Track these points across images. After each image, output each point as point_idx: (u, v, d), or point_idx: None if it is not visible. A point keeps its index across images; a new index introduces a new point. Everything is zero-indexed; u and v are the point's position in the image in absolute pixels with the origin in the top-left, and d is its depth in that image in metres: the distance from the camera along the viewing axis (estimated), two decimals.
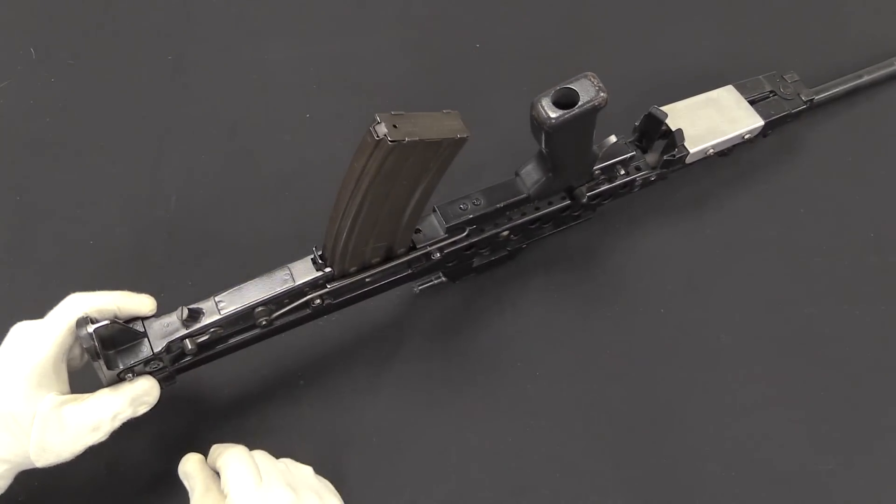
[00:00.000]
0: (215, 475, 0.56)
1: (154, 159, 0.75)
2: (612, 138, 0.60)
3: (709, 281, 0.72)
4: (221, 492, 0.54)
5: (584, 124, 0.55)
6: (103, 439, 0.52)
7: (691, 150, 0.67)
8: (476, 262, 0.67)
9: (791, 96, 0.72)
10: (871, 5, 0.84)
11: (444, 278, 0.68)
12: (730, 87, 0.71)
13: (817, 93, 0.74)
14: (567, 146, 0.57)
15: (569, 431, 0.66)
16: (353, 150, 0.69)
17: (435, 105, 0.76)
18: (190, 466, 0.57)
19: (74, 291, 0.69)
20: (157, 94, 0.78)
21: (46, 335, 0.52)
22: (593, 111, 0.53)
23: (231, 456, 0.55)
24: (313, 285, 0.57)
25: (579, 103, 0.52)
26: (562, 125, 0.52)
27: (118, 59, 0.79)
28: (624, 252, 0.72)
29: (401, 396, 0.67)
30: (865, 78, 0.76)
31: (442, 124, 0.52)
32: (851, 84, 0.76)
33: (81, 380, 0.55)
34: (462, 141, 0.53)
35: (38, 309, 0.69)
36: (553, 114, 0.52)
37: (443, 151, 0.52)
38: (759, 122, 0.69)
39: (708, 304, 0.71)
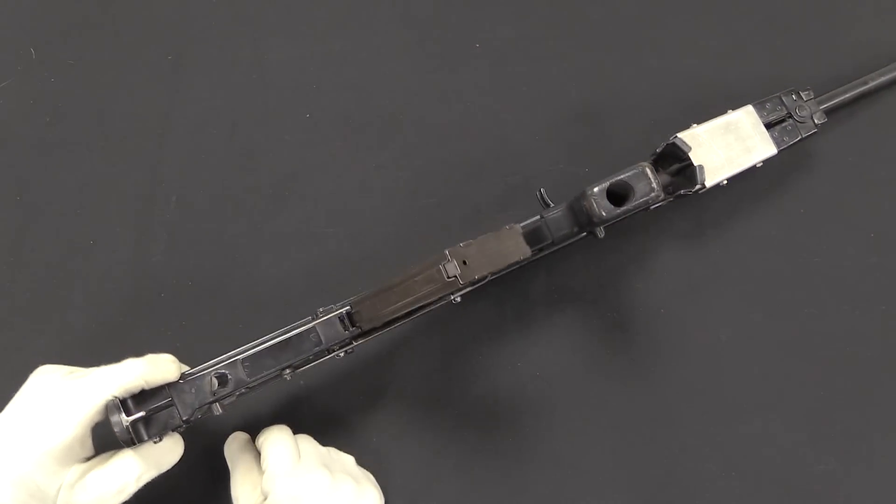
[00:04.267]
0: (259, 456, 0.58)
1: (154, 159, 0.75)
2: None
3: (709, 281, 0.72)
4: (262, 471, 0.56)
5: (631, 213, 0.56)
6: (127, 498, 0.53)
7: (707, 185, 0.65)
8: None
9: (804, 119, 0.71)
10: (874, 7, 0.84)
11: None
12: (749, 109, 0.69)
13: (829, 108, 0.73)
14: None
15: (568, 431, 0.66)
16: (353, 149, 0.70)
17: (434, 105, 0.77)
18: (235, 446, 0.59)
19: (74, 291, 0.70)
20: (157, 94, 0.78)
21: (74, 416, 0.52)
22: (644, 207, 0.55)
23: (273, 435, 0.57)
24: (340, 343, 0.58)
25: (632, 201, 0.54)
26: (612, 219, 0.55)
27: (118, 58, 0.79)
28: (624, 252, 0.72)
29: (400, 396, 0.67)
30: (871, 84, 0.75)
31: (505, 247, 0.53)
32: (858, 91, 0.75)
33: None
34: (523, 262, 0.55)
35: (37, 309, 0.70)
36: (605, 213, 0.54)
37: None
38: (773, 152, 0.69)
39: (708, 304, 0.71)
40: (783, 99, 0.71)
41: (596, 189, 0.55)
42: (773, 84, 0.73)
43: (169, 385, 0.55)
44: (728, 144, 0.68)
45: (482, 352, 0.68)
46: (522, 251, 0.53)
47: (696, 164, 0.62)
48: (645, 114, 0.75)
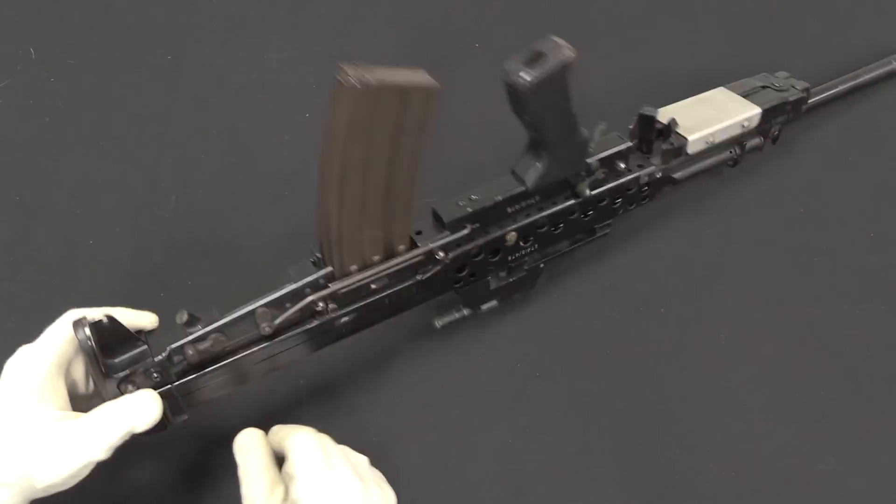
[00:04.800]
0: (273, 455, 0.55)
1: (154, 159, 0.75)
2: (603, 124, 0.60)
3: (709, 281, 0.72)
4: (278, 472, 0.54)
5: (561, 86, 0.54)
6: (104, 457, 0.50)
7: (690, 138, 0.66)
8: (493, 283, 0.65)
9: (785, 88, 0.71)
10: (864, 5, 0.84)
11: (465, 311, 0.65)
12: (721, 89, 0.71)
13: (818, 102, 0.73)
14: (549, 116, 0.56)
15: (568, 432, 0.66)
16: None
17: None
18: (249, 442, 0.55)
19: (74, 291, 0.70)
20: (157, 94, 0.78)
21: (43, 349, 0.51)
22: (565, 68, 0.53)
23: (302, 437, 0.54)
24: (314, 286, 0.56)
25: (551, 61, 0.52)
26: (538, 86, 0.52)
27: (118, 58, 0.79)
28: (624, 252, 0.72)
29: (400, 396, 0.67)
30: (864, 77, 0.76)
31: (409, 76, 0.51)
32: (850, 84, 0.75)
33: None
34: (433, 92, 0.52)
35: (37, 309, 0.69)
36: (528, 76, 0.52)
37: (415, 105, 0.51)
38: (757, 109, 0.69)
39: (708, 304, 0.71)
40: (756, 80, 0.72)
41: (511, 62, 0.53)
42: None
43: (145, 333, 0.54)
44: (703, 111, 0.69)
45: (482, 352, 0.68)
46: (429, 81, 0.50)
47: (666, 122, 0.64)
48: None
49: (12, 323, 0.70)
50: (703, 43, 0.80)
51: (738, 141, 0.70)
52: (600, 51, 0.80)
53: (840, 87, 0.75)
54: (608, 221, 0.68)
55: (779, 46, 0.81)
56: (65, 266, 0.71)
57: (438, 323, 0.65)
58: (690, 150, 0.68)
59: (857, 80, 0.76)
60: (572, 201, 0.64)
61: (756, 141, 0.72)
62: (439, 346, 0.69)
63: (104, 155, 0.75)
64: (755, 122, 0.70)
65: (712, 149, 0.69)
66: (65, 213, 0.73)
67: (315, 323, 0.57)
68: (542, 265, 0.67)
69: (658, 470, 0.65)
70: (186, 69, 0.79)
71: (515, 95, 0.54)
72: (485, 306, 0.66)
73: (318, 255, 0.56)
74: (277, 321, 0.55)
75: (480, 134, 0.76)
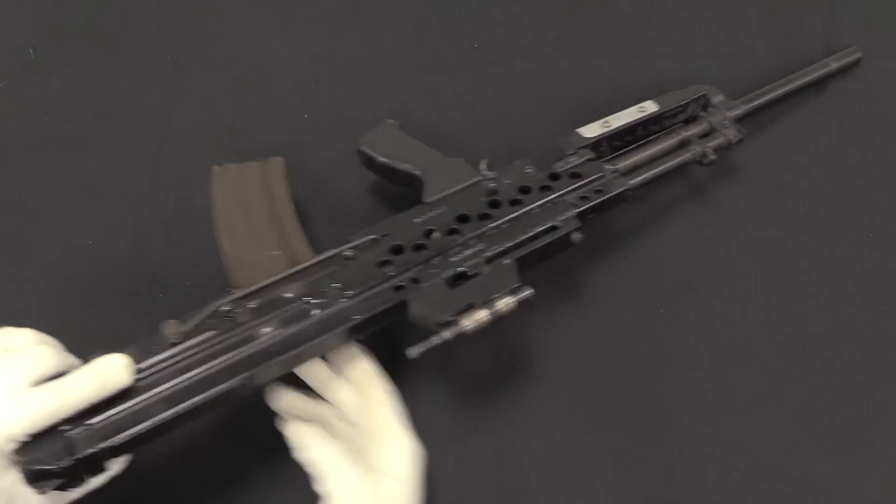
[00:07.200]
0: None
1: (153, 159, 0.75)
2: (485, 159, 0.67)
3: (709, 281, 0.72)
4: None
5: (396, 135, 0.69)
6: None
7: (580, 129, 0.69)
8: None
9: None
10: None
11: (444, 334, 0.58)
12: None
13: (751, 109, 0.74)
14: (405, 152, 0.68)
15: (568, 432, 0.66)
16: (351, 150, 0.70)
17: (433, 105, 0.77)
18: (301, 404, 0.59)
19: (74, 291, 0.70)
20: (156, 94, 0.78)
21: None
22: (387, 126, 0.68)
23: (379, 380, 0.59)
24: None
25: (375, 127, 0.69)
26: (370, 139, 0.68)
27: (118, 59, 0.79)
28: (623, 252, 0.72)
29: (400, 397, 0.67)
30: (798, 81, 0.76)
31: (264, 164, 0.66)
32: (783, 89, 0.75)
33: None
34: (279, 164, 0.66)
35: (37, 309, 0.70)
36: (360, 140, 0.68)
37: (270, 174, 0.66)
38: (651, 100, 0.71)
39: (708, 304, 0.71)
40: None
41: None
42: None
43: None
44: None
45: (481, 353, 0.68)
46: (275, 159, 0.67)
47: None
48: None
49: (12, 323, 0.70)
50: (701, 46, 0.80)
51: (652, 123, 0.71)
52: (602, 51, 0.80)
53: (773, 94, 0.75)
54: (566, 216, 0.63)
55: (787, 51, 0.81)
56: (65, 266, 0.71)
57: (416, 353, 0.58)
58: (587, 134, 0.69)
59: (791, 85, 0.76)
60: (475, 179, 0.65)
61: (727, 137, 0.71)
62: (438, 349, 0.68)
63: (104, 155, 0.75)
64: (652, 107, 0.71)
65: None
66: (65, 213, 0.73)
67: (233, 335, 0.56)
68: (506, 261, 0.60)
69: (658, 470, 0.65)
70: (186, 69, 0.79)
71: (362, 156, 0.68)
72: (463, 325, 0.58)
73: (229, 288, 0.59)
74: (184, 329, 0.56)
75: (479, 134, 0.76)
